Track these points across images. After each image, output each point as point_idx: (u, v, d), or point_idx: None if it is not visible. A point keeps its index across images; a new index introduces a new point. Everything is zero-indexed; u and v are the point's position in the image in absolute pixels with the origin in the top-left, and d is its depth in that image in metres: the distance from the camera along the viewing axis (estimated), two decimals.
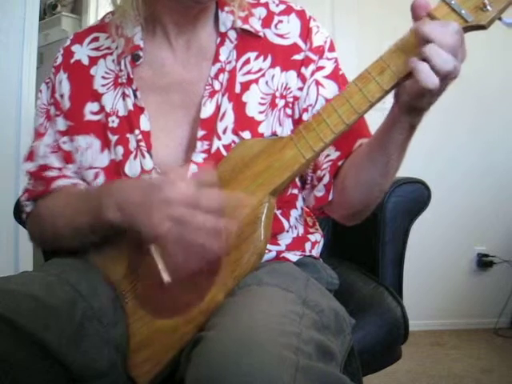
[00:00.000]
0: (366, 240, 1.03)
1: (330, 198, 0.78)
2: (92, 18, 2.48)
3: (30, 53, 1.85)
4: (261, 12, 0.81)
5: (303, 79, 0.79)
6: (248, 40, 0.79)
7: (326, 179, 0.78)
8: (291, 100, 0.79)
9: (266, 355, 0.46)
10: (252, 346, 0.46)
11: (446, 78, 0.57)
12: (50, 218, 0.79)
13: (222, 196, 0.62)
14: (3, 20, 1.80)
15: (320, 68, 0.80)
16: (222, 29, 0.79)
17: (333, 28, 2.28)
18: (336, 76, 0.81)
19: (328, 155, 0.78)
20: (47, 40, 2.65)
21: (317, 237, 0.86)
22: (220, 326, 0.52)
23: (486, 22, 0.60)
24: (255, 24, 0.80)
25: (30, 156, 0.85)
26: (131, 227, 0.63)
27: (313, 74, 0.79)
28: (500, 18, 0.61)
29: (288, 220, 0.80)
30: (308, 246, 0.83)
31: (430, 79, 0.56)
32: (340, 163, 0.77)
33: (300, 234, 0.83)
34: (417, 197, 1.00)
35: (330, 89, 0.79)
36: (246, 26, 0.79)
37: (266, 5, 0.82)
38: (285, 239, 0.80)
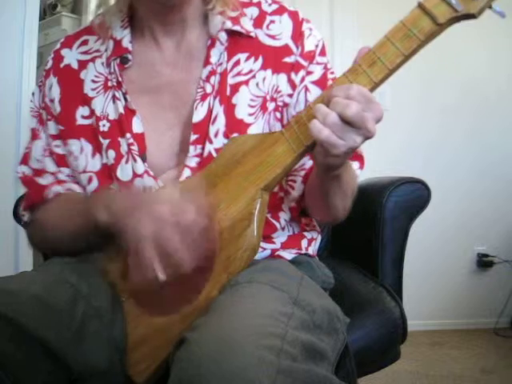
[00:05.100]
0: (365, 240, 1.03)
1: (303, 205, 0.81)
2: (92, 18, 2.47)
3: (29, 53, 1.85)
4: (253, 12, 0.81)
5: (293, 86, 0.78)
6: (239, 41, 0.78)
7: (300, 188, 0.79)
8: (281, 104, 0.78)
9: (246, 357, 0.45)
10: (233, 348, 0.46)
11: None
12: (51, 221, 0.79)
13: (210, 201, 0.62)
14: (3, 20, 1.80)
15: (309, 73, 0.79)
16: (212, 31, 0.78)
17: (331, 28, 2.28)
18: (323, 83, 0.80)
19: (303, 164, 0.78)
20: (47, 40, 2.65)
21: (313, 234, 0.86)
22: (203, 327, 0.52)
23: (475, 10, 0.60)
24: (246, 24, 0.79)
25: (25, 159, 0.85)
26: (116, 228, 0.63)
27: (303, 80, 0.78)
28: (491, 7, 0.61)
29: (279, 222, 0.80)
30: (304, 243, 0.83)
31: (317, 129, 0.59)
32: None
33: (296, 232, 0.83)
34: (417, 197, 1.00)
35: (316, 96, 0.78)
36: (237, 28, 0.78)
37: (258, 4, 0.81)
38: (280, 237, 0.80)
